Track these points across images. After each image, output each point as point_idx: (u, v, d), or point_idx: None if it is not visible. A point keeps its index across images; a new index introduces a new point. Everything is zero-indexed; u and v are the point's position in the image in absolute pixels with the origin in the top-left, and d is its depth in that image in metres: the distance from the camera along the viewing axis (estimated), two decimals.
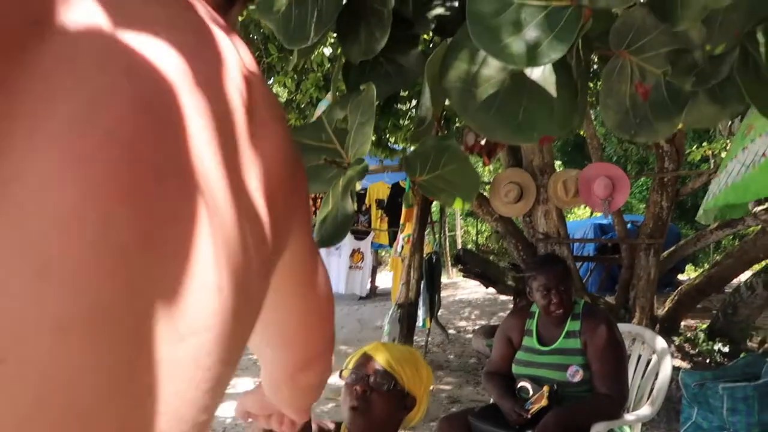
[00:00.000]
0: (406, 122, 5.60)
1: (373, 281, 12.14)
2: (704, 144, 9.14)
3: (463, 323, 8.72)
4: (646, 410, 2.79)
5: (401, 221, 4.87)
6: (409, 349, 1.81)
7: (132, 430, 0.40)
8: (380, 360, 1.68)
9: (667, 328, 5.51)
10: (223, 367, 0.47)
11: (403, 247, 4.81)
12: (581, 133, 7.81)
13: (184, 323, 0.43)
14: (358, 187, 7.29)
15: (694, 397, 4.01)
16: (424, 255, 5.36)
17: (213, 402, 0.47)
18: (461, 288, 11.52)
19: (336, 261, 7.04)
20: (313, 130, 1.52)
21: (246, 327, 0.54)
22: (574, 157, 12.44)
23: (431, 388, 1.81)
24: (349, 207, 1.22)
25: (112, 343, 0.39)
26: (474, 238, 16.76)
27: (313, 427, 1.77)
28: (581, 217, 13.78)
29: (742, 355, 4.47)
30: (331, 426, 1.81)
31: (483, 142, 4.16)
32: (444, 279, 9.77)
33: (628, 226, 6.44)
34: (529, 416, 2.63)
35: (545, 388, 2.68)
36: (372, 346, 1.75)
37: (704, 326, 6.07)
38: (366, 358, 1.70)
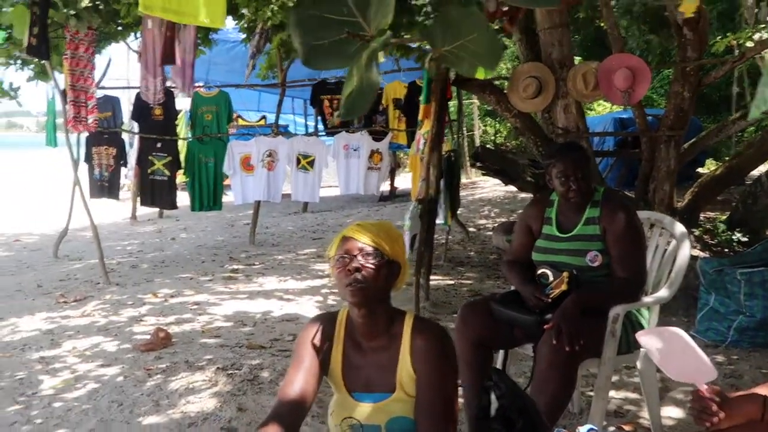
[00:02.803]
0: (421, 18, 5.45)
1: (392, 183, 12.19)
2: (728, 34, 8.84)
3: (483, 221, 8.81)
4: (663, 293, 2.84)
5: (419, 118, 4.83)
6: (381, 222, 1.92)
7: None
8: (361, 238, 1.80)
9: (687, 219, 5.51)
10: None
11: (425, 144, 4.80)
12: (601, 24, 7.57)
13: None
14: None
15: (712, 283, 4.08)
16: (443, 153, 5.36)
17: None
18: (480, 188, 11.56)
19: (356, 163, 7.06)
20: (332, 3, 1.47)
21: None
22: (593, 52, 12.12)
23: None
24: (374, 76, 1.22)
25: None
26: (492, 137, 16.63)
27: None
28: (601, 113, 13.56)
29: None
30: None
31: (505, 8, 4.13)
32: (463, 179, 9.79)
33: (649, 119, 6.34)
34: (549, 301, 2.68)
35: (565, 274, 2.72)
36: (348, 229, 1.85)
37: (724, 217, 6.09)
38: (347, 240, 1.82)
